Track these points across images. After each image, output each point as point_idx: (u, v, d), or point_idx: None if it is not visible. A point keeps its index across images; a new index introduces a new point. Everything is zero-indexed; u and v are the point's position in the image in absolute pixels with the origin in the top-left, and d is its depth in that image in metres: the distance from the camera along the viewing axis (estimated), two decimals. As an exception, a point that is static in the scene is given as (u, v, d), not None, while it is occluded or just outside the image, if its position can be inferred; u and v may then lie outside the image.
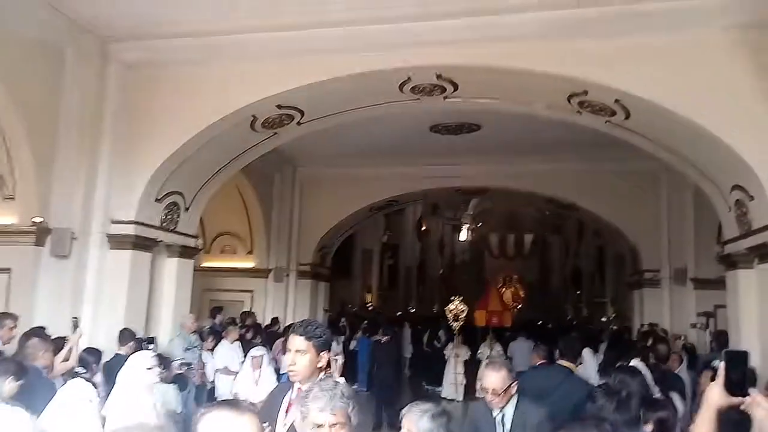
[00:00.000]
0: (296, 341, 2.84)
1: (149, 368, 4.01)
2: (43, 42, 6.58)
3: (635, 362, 5.78)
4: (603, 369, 6.22)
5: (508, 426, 3.58)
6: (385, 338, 10.37)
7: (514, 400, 3.60)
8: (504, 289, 28.32)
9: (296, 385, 2.86)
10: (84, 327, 6.22)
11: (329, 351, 2.93)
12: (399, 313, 21.64)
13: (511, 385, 3.56)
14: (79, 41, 6.87)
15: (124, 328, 6.45)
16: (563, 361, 4.74)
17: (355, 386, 11.49)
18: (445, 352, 13.00)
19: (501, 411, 3.60)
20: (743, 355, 2.07)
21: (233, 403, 1.79)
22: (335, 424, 2.20)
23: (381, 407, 9.58)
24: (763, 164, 5.74)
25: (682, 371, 6.94)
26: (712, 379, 2.03)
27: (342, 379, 4.68)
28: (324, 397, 2.23)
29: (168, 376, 4.98)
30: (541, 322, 21.54)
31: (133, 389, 3.92)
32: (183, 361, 5.58)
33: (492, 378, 3.56)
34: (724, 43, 5.82)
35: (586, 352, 8.45)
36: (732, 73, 5.80)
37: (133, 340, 6.29)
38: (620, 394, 2.73)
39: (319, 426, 2.20)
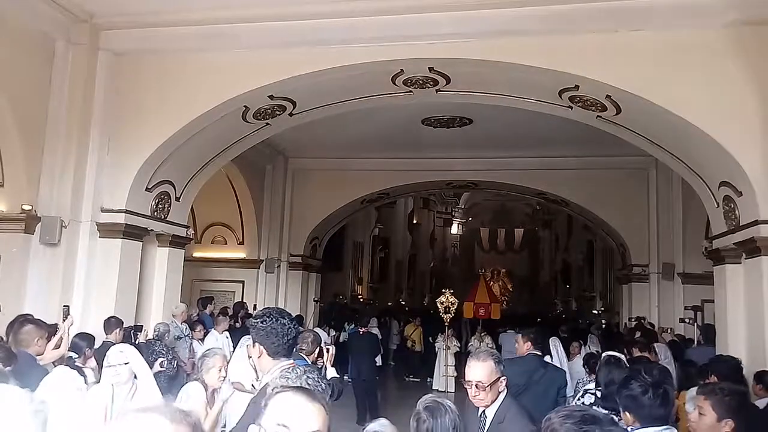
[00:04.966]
0: None
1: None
2: (33, 29, 6.53)
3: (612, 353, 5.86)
4: (587, 361, 6.35)
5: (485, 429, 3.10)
6: (362, 330, 10.44)
7: (499, 400, 3.09)
8: (493, 283, 28.50)
9: None
10: (74, 315, 6.21)
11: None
12: (390, 303, 21.70)
13: (499, 378, 3.06)
14: (69, 29, 6.82)
15: (111, 316, 6.43)
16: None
17: (345, 377, 11.52)
18: (435, 344, 13.06)
19: (482, 411, 3.09)
20: None
21: (307, 390, 1.78)
22: None
23: (361, 398, 9.64)
24: (750, 160, 5.79)
25: (670, 364, 7.02)
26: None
27: (333, 369, 4.74)
28: None
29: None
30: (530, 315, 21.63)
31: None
32: (161, 369, 5.81)
33: (477, 369, 3.05)
34: (714, 41, 5.86)
35: (576, 345, 8.70)
36: (722, 70, 5.84)
37: (118, 327, 6.28)
38: (661, 387, 2.70)
39: None
